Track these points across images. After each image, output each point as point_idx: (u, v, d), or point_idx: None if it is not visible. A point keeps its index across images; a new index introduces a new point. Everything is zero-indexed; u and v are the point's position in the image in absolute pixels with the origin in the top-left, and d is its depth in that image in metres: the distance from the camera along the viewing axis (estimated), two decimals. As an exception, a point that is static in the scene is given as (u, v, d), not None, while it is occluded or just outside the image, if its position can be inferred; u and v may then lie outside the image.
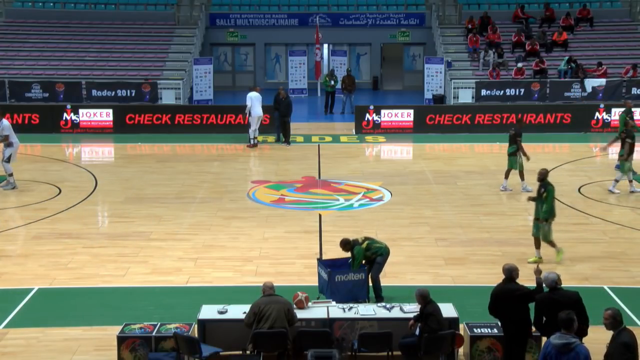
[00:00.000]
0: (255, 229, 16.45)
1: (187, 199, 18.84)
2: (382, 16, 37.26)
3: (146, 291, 13.22)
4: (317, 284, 12.63)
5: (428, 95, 32.14)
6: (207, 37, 37.00)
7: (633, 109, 23.35)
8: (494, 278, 13.58)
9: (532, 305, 9.85)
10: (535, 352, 10.10)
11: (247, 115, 24.91)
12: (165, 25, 36.50)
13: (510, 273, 9.89)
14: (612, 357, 8.24)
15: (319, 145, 25.18)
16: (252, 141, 24.88)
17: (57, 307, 12.63)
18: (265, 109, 25.52)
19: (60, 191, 19.46)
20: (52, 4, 37.10)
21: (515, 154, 19.05)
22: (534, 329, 9.90)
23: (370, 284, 12.41)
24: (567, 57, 31.61)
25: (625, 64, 31.21)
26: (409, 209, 18.00)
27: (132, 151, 25.15)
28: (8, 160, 19.40)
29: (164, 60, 33.79)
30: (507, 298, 9.74)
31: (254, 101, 24.74)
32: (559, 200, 18.62)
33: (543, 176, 14.33)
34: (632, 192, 19.21)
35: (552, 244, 14.35)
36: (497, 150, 23.80)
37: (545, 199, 14.11)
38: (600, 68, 30.59)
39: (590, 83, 29.77)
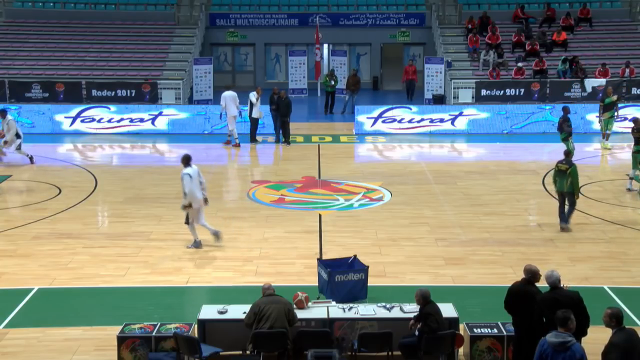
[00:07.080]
0: (255, 229, 16.44)
1: (187, 199, 18.79)
2: (382, 16, 37.25)
3: (146, 291, 13.21)
4: (317, 284, 12.63)
5: (428, 95, 32.13)
6: (207, 37, 36.99)
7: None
8: (494, 278, 13.68)
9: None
10: None
11: (221, 115, 25.07)
12: (165, 25, 36.47)
13: (532, 275, 9.86)
14: (604, 355, 8.33)
15: (319, 145, 25.16)
16: (230, 139, 24.84)
17: (57, 307, 12.62)
18: (263, 109, 25.53)
19: (60, 191, 19.45)
20: (52, 4, 37.07)
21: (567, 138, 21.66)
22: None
23: None
24: (562, 57, 31.60)
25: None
26: (409, 209, 17.99)
27: (132, 151, 25.13)
28: None
29: (164, 60, 33.77)
30: (526, 299, 9.70)
31: (228, 101, 24.63)
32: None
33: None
34: (628, 189, 19.29)
35: None
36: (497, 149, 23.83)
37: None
38: (603, 70, 30.49)
39: (590, 83, 29.75)
